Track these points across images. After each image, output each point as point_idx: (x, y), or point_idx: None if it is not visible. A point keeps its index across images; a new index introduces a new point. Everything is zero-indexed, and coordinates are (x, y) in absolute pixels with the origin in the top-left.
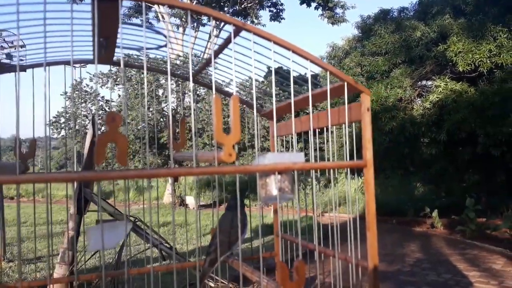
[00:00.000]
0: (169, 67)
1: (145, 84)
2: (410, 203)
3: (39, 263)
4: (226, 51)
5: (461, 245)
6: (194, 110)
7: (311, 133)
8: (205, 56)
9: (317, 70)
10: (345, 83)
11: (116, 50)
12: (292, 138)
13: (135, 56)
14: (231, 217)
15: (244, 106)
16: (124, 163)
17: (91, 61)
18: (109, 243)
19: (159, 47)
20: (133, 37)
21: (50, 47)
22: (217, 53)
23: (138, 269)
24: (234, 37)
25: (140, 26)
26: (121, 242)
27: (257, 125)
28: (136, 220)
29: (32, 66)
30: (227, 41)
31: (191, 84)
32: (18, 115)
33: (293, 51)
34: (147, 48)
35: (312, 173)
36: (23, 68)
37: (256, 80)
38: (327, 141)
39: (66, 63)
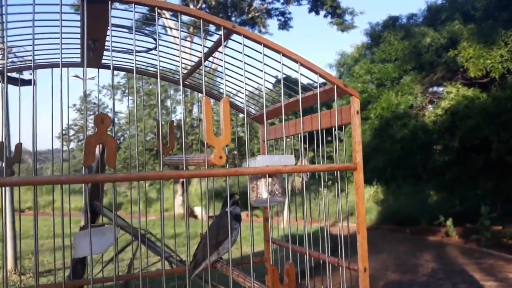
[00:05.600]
0: (158, 71)
1: (135, 86)
2: (423, 212)
3: (50, 276)
4: (230, 55)
5: (477, 254)
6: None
7: (301, 136)
8: (214, 62)
9: (320, 80)
10: (335, 86)
11: (105, 53)
12: (298, 140)
13: (143, 62)
14: (218, 220)
15: (250, 109)
16: (113, 165)
17: (79, 64)
18: (96, 249)
19: (148, 50)
20: (123, 40)
21: (38, 49)
22: (207, 56)
23: (128, 275)
24: (225, 40)
25: (130, 28)
26: (109, 249)
27: (247, 128)
28: (147, 232)
29: (20, 69)
30: (218, 44)
31: (181, 88)
32: (7, 121)
33: (283, 54)
34: (137, 51)
35: (302, 176)
36: (11, 71)
37: (261, 85)
38: (319, 144)
39: (55, 66)
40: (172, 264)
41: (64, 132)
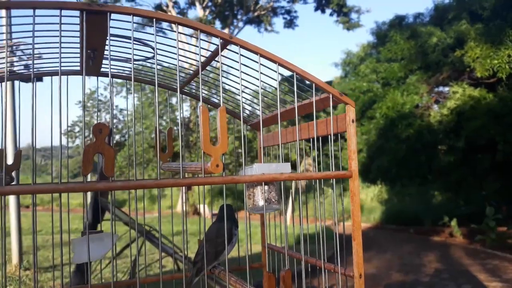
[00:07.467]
0: (156, 79)
1: (133, 95)
2: (428, 212)
3: (56, 271)
4: (235, 64)
5: (482, 255)
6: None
7: (297, 144)
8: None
9: (325, 79)
10: (331, 95)
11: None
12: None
13: (143, 69)
14: (218, 227)
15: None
16: (110, 174)
17: (79, 72)
18: (95, 255)
19: (146, 59)
20: (122, 49)
21: (38, 58)
22: (205, 65)
23: (127, 281)
24: (222, 49)
25: (128, 38)
26: (108, 253)
27: (244, 135)
28: (151, 229)
29: (20, 77)
30: (215, 53)
31: (179, 96)
32: (4, 125)
33: (279, 64)
34: (135, 60)
35: (299, 183)
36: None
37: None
38: (317, 151)
39: (54, 74)
40: (178, 261)
41: (67, 131)
